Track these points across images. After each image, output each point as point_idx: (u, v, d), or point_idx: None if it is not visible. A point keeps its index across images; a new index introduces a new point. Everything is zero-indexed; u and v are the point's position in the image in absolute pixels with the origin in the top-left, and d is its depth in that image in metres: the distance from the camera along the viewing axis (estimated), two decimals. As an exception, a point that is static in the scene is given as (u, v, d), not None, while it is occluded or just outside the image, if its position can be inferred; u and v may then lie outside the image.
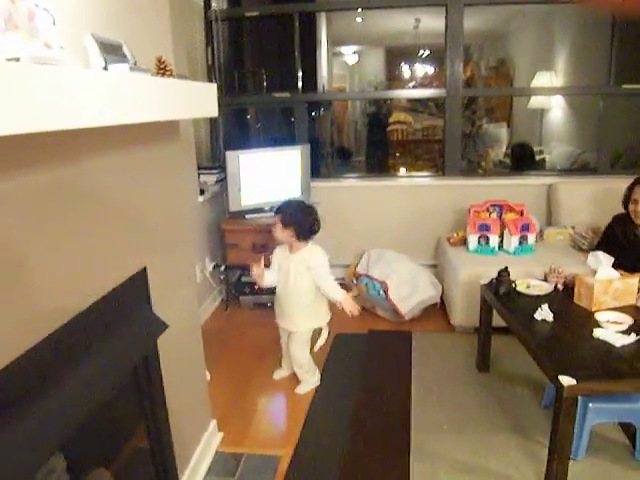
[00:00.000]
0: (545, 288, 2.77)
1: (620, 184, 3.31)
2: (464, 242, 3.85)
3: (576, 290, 2.60)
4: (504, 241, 3.70)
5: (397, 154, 8.71)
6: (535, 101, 6.48)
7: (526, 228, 3.63)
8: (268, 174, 4.01)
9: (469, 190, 4.26)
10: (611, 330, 2.26)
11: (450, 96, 4.25)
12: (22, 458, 1.13)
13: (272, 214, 3.01)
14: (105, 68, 1.34)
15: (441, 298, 3.88)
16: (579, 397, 2.04)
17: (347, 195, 4.48)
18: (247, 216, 3.96)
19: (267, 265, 2.94)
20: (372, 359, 3.29)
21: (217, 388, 2.88)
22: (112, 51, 1.43)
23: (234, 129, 5.05)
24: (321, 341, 3.01)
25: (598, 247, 3.30)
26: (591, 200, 3.94)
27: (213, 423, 2.52)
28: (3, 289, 1.12)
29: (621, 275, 2.55)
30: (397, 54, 9.66)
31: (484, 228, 3.68)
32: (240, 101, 4.91)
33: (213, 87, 1.94)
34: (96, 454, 1.75)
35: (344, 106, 8.96)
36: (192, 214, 3.57)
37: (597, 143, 4.31)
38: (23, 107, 0.89)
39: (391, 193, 4.45)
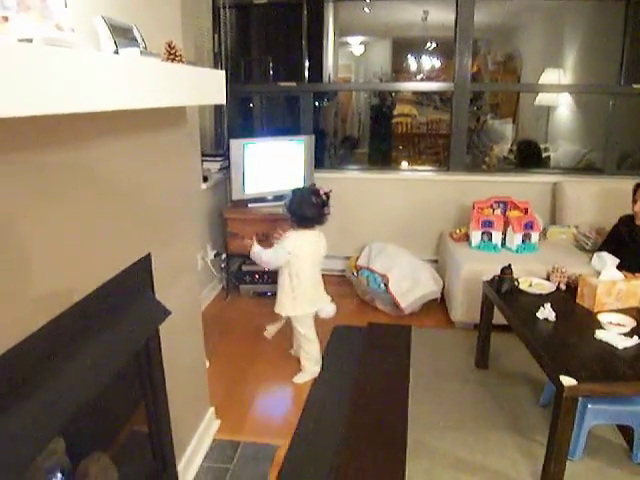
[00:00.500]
0: (548, 287, 2.77)
1: (626, 185, 3.30)
2: (467, 238, 3.84)
3: (579, 290, 2.60)
4: (507, 238, 3.69)
5: (401, 147, 8.68)
6: (542, 98, 6.44)
7: (530, 226, 3.61)
8: (272, 164, 3.99)
9: (473, 186, 4.25)
10: (613, 332, 2.26)
11: (458, 90, 4.22)
12: (25, 441, 1.13)
13: (275, 204, 3.03)
14: (116, 52, 1.33)
15: (441, 293, 3.88)
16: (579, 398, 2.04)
17: (350, 187, 4.46)
18: (250, 205, 3.95)
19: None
20: (370, 352, 3.29)
21: (216, 376, 2.88)
22: (122, 34, 1.42)
23: (238, 117, 5.03)
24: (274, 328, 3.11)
25: (603, 247, 3.30)
26: (596, 200, 3.93)
27: (211, 410, 2.52)
28: (5, 273, 1.11)
29: (625, 276, 2.54)
30: (404, 46, 9.59)
31: (487, 224, 3.67)
32: (246, 89, 4.88)
33: (221, 74, 1.92)
34: (95, 437, 1.76)
35: (349, 97, 8.91)
36: (195, 201, 3.56)
37: (604, 143, 4.29)
38: (35, 89, 0.88)
39: (394, 186, 4.43)
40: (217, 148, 4.47)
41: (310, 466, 2.30)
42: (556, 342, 2.26)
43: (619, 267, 2.65)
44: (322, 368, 3.06)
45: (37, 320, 1.21)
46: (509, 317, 2.59)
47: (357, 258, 4.13)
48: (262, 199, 3.98)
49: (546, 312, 2.44)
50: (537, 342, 2.25)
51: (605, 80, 4.71)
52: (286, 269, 2.86)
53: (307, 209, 2.83)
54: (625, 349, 2.15)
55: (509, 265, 2.78)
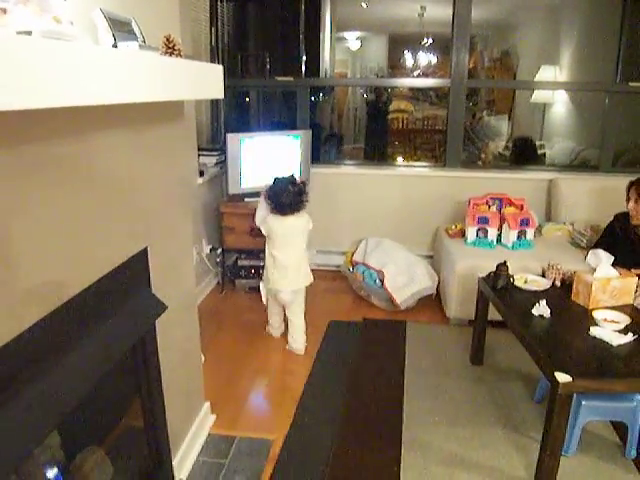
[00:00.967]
0: (543, 284, 2.78)
1: (621, 182, 3.31)
2: (462, 234, 3.84)
3: (574, 287, 2.61)
4: (503, 235, 3.70)
5: (397, 143, 8.68)
6: (538, 95, 6.45)
7: (525, 223, 3.62)
8: (268, 158, 3.98)
9: (469, 182, 4.26)
10: (608, 329, 2.27)
11: (454, 86, 4.21)
12: (21, 436, 1.13)
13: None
14: (114, 45, 1.32)
15: (437, 289, 3.88)
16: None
17: (346, 182, 4.46)
18: (246, 199, 3.94)
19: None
20: (365, 347, 3.29)
21: (211, 370, 2.88)
22: (121, 28, 1.41)
23: (235, 111, 5.02)
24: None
25: (598, 244, 3.31)
26: (591, 197, 3.94)
27: (206, 405, 2.52)
28: (1, 267, 1.11)
29: (620, 274, 2.55)
30: (400, 42, 9.58)
31: (483, 221, 3.68)
32: (242, 84, 4.88)
33: (219, 68, 1.91)
34: (90, 432, 1.75)
35: (345, 92, 8.90)
36: (192, 195, 3.55)
37: (600, 140, 4.30)
38: (33, 82, 0.88)
39: (390, 182, 4.43)
40: (213, 142, 4.46)
41: (305, 461, 2.30)
42: (551, 339, 2.27)
43: (614, 264, 2.66)
44: (315, 363, 3.07)
45: (33, 315, 1.20)
46: (504, 313, 2.60)
47: (353, 253, 4.13)
48: (258, 194, 3.95)
49: (541, 309, 2.45)
50: (532, 338, 2.25)
51: (601, 78, 4.71)
52: (267, 245, 3.16)
53: (284, 197, 3.02)
54: (619, 346, 2.16)
55: (505, 262, 2.79)
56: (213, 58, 4.30)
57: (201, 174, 3.85)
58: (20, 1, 1.00)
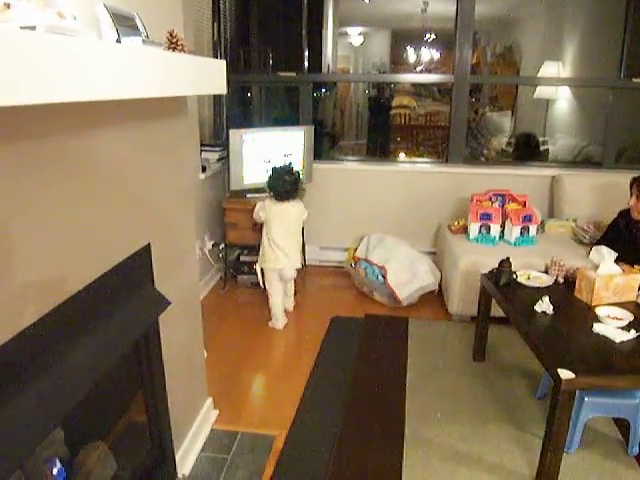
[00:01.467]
0: (546, 280, 2.77)
1: (624, 178, 3.30)
2: (465, 230, 3.84)
3: (577, 284, 2.60)
4: (505, 231, 3.69)
5: (399, 139, 8.66)
6: (541, 91, 6.43)
7: (528, 219, 3.62)
8: (271, 154, 3.98)
9: (472, 178, 4.25)
10: (611, 326, 2.26)
11: (457, 82, 4.20)
12: (25, 431, 1.13)
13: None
14: (118, 40, 1.31)
15: (439, 285, 3.88)
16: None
17: (348, 178, 4.45)
18: (248, 195, 3.94)
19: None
20: (368, 343, 3.29)
21: (213, 366, 2.87)
22: (124, 23, 1.40)
23: (237, 107, 5.01)
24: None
25: (601, 241, 3.30)
26: (594, 194, 3.93)
27: (209, 400, 2.52)
28: (3, 262, 1.11)
29: (623, 270, 2.55)
30: (403, 37, 9.57)
31: (486, 217, 3.67)
32: (245, 79, 4.87)
33: (222, 64, 1.91)
34: (94, 427, 1.76)
35: (347, 88, 8.89)
36: (195, 191, 3.55)
37: (603, 136, 4.29)
38: (37, 77, 0.87)
39: (393, 178, 4.42)
40: (216, 138, 4.46)
41: (308, 456, 2.30)
42: (554, 335, 2.27)
43: (617, 261, 2.65)
44: (318, 359, 3.08)
45: (36, 311, 1.20)
46: (507, 310, 2.60)
47: (355, 249, 4.13)
48: (261, 189, 3.96)
49: (544, 305, 2.45)
50: (535, 335, 2.25)
51: (605, 74, 4.70)
52: (265, 230, 3.42)
53: (281, 185, 3.35)
54: (622, 343, 2.16)
55: (507, 258, 2.78)
56: (215, 53, 4.29)
57: (203, 170, 3.84)
58: (24, -4, 1.00)
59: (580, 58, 5.99)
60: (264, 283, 3.52)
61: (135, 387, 1.89)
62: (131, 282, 1.66)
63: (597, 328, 2.26)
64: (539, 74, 6.26)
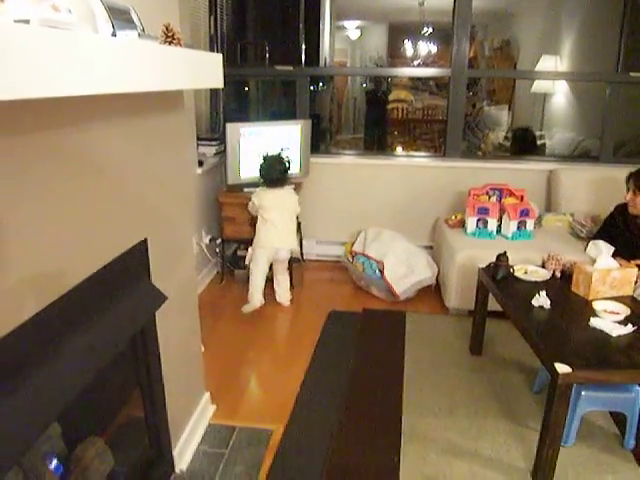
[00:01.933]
0: (543, 274, 2.78)
1: (622, 173, 3.30)
2: (462, 224, 3.84)
3: (574, 278, 2.61)
4: (502, 225, 3.69)
5: (396, 133, 8.65)
6: (538, 85, 6.43)
7: (525, 213, 3.62)
8: (268, 148, 3.96)
9: (469, 172, 4.24)
10: (608, 320, 2.27)
11: (455, 76, 4.19)
12: (22, 427, 1.12)
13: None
14: (113, 34, 1.30)
15: (436, 280, 3.88)
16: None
17: (346, 172, 4.45)
18: (245, 189, 3.93)
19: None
20: (365, 338, 3.29)
21: (211, 361, 2.88)
22: (120, 16, 1.39)
23: (234, 101, 5.00)
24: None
25: (598, 235, 3.31)
26: (591, 188, 3.93)
27: (206, 395, 2.52)
28: (0, 257, 1.10)
29: (620, 265, 2.55)
30: (401, 31, 9.54)
31: (483, 211, 3.67)
32: (242, 73, 4.84)
33: (219, 57, 1.90)
34: (91, 422, 1.76)
35: (344, 82, 8.87)
36: (192, 186, 3.55)
37: (600, 130, 4.29)
38: (32, 71, 0.87)
39: (390, 172, 4.42)
40: (213, 132, 4.44)
41: (305, 450, 2.31)
42: (551, 329, 2.27)
43: (614, 255, 2.66)
44: (315, 353, 3.08)
45: (32, 306, 1.20)
46: (504, 304, 2.60)
47: (353, 244, 4.13)
48: (258, 184, 3.95)
49: (541, 299, 2.45)
50: (532, 329, 2.26)
51: (602, 68, 4.69)
52: (260, 213, 3.53)
53: (273, 172, 3.52)
54: (619, 337, 2.17)
55: (505, 252, 2.79)
56: (212, 47, 4.27)
57: (200, 164, 3.83)
58: (18, -11, 0.99)
59: (577, 52, 5.99)
60: (250, 262, 3.59)
61: (132, 382, 1.89)
62: (128, 277, 1.66)
63: (594, 322, 2.26)
64: (536, 68, 6.26)
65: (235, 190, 3.96)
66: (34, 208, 1.19)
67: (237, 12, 4.86)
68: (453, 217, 3.95)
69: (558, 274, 2.79)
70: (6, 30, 0.82)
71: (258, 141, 3.91)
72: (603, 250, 2.63)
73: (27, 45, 0.85)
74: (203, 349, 2.57)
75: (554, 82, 6.37)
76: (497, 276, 2.74)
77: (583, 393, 2.21)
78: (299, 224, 3.80)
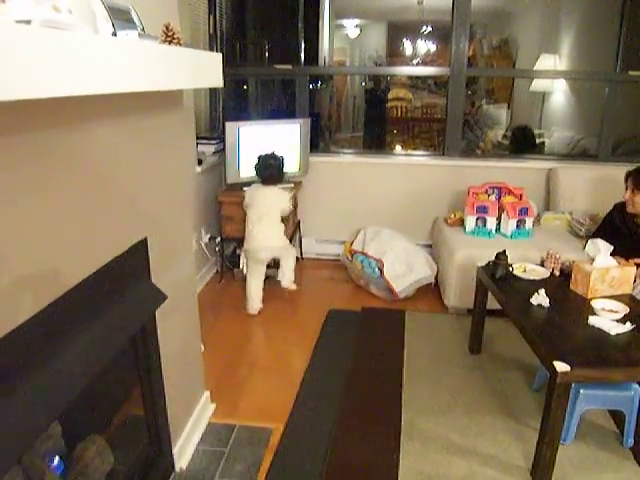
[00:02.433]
0: (542, 273, 2.78)
1: (620, 171, 3.30)
2: (461, 223, 3.85)
3: (573, 276, 2.61)
4: (501, 224, 3.70)
5: (395, 131, 8.65)
6: (537, 84, 6.43)
7: (524, 212, 3.62)
8: (267, 147, 3.97)
9: (468, 171, 4.25)
10: (606, 318, 2.27)
11: (454, 75, 4.19)
12: (23, 426, 1.13)
13: None
14: (113, 34, 1.31)
15: (435, 278, 3.89)
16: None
17: (344, 171, 4.45)
18: (245, 188, 3.92)
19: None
20: (365, 336, 3.30)
21: (210, 359, 2.88)
22: (120, 16, 1.40)
23: (233, 100, 5.00)
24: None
25: (597, 234, 3.31)
26: (590, 186, 3.94)
27: (206, 394, 2.53)
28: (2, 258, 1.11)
29: (619, 263, 2.56)
30: (400, 29, 9.54)
31: (482, 210, 3.67)
32: (241, 72, 4.84)
33: (218, 57, 1.90)
34: (91, 421, 1.76)
35: (343, 80, 8.86)
36: (191, 184, 3.55)
37: (599, 129, 4.29)
38: (33, 72, 0.87)
39: (389, 171, 4.42)
40: (212, 131, 4.44)
41: (305, 449, 2.31)
42: (550, 328, 2.28)
43: (613, 254, 2.66)
44: (315, 352, 3.08)
45: (33, 305, 1.20)
46: (503, 303, 2.61)
47: (352, 242, 4.13)
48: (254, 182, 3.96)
49: (540, 298, 2.45)
50: (531, 328, 2.26)
51: (601, 66, 4.70)
52: (247, 217, 3.57)
53: (267, 171, 3.55)
54: (618, 335, 2.17)
55: (504, 251, 2.79)
56: (211, 46, 4.27)
57: (199, 163, 3.83)
58: (19, -11, 0.99)
59: (576, 51, 5.99)
60: (246, 266, 3.64)
61: (132, 381, 1.90)
62: (128, 276, 1.66)
63: (593, 321, 2.27)
64: (535, 67, 6.26)
65: (234, 189, 3.96)
66: (33, 208, 1.19)
67: (236, 11, 4.85)
68: (452, 216, 3.96)
69: (557, 273, 2.79)
70: (8, 31, 0.82)
71: (257, 140, 3.91)
72: (602, 249, 2.63)
73: (28, 46, 0.86)
74: (203, 348, 2.57)
75: (553, 81, 6.38)
76: (496, 275, 2.75)
77: (582, 391, 2.22)
78: (298, 222, 3.80)
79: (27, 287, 1.19)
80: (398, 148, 8.09)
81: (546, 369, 2.05)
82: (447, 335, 3.31)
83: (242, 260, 3.67)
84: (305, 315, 3.60)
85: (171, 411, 2.06)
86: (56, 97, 0.94)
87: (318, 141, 5.77)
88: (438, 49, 8.96)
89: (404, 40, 9.34)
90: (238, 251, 4.15)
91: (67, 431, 1.56)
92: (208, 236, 4.02)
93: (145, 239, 1.75)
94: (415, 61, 9.06)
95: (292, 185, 3.97)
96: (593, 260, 2.56)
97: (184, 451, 2.22)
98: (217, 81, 1.89)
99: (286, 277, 3.71)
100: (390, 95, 8.62)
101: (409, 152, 6.25)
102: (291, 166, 3.96)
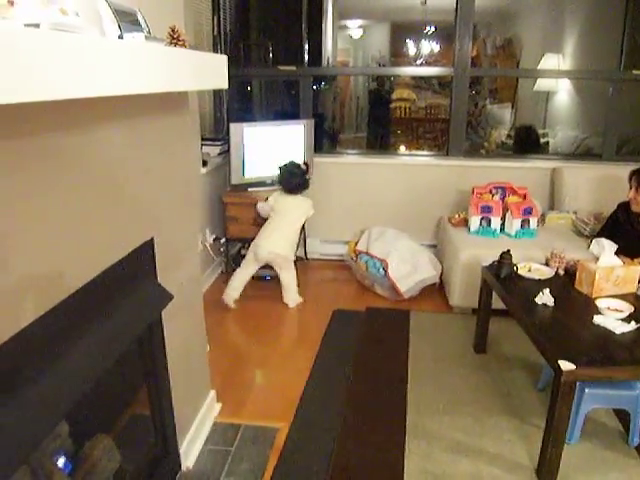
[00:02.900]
0: (546, 272, 2.78)
1: (624, 171, 3.30)
2: (465, 223, 3.85)
3: (578, 276, 2.61)
4: (506, 224, 3.70)
5: (399, 132, 8.65)
6: (541, 83, 6.42)
7: (528, 211, 3.62)
8: (271, 148, 3.98)
9: (472, 171, 4.25)
10: (611, 317, 2.27)
11: (457, 75, 4.20)
12: (31, 425, 1.14)
13: (275, 188, 3.66)
14: (120, 36, 1.32)
15: (440, 278, 3.89)
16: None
17: (349, 172, 4.46)
18: (249, 189, 3.94)
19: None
20: (370, 336, 3.31)
21: (215, 359, 2.89)
22: (126, 18, 1.41)
23: (237, 101, 5.01)
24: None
25: (601, 233, 3.31)
26: (594, 186, 3.94)
27: (212, 394, 2.54)
28: (8, 257, 1.12)
29: (624, 262, 2.56)
30: (403, 30, 9.52)
31: (486, 210, 3.68)
32: (245, 73, 4.85)
33: (224, 58, 1.92)
34: (98, 420, 1.77)
35: (347, 81, 8.86)
36: (196, 185, 3.56)
37: (603, 128, 4.29)
38: (42, 75, 0.88)
39: (394, 171, 4.43)
40: (216, 132, 4.46)
41: (310, 448, 2.32)
42: (554, 327, 2.28)
43: (617, 253, 2.66)
44: (320, 352, 3.09)
45: (42, 305, 1.21)
46: (508, 302, 2.61)
47: (356, 243, 4.14)
48: (262, 183, 3.98)
49: (545, 297, 2.46)
50: (536, 327, 2.27)
51: (605, 65, 4.69)
52: (269, 217, 3.63)
53: (292, 179, 3.61)
54: (623, 334, 2.17)
55: (508, 250, 2.79)
56: (215, 47, 4.28)
57: (204, 164, 3.85)
58: (27, -7, 1.01)
59: (580, 50, 5.98)
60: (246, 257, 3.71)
61: (139, 381, 1.91)
62: (134, 276, 1.67)
63: (597, 320, 2.27)
64: (539, 66, 6.25)
65: (239, 190, 3.98)
66: (41, 210, 1.20)
67: (240, 12, 4.86)
68: (456, 216, 3.96)
69: (561, 272, 2.79)
70: (17, 34, 0.83)
71: (262, 141, 3.93)
72: (606, 248, 2.63)
73: (37, 48, 0.87)
74: (208, 348, 2.58)
75: (557, 80, 6.37)
76: (501, 274, 2.75)
77: (587, 390, 2.22)
78: (302, 225, 3.80)
79: (35, 288, 1.20)
80: (402, 148, 8.09)
81: (551, 368, 2.06)
82: (452, 335, 3.31)
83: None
84: (310, 315, 3.61)
85: (177, 410, 2.06)
86: (63, 99, 0.95)
87: (322, 142, 5.77)
88: (442, 49, 8.94)
89: (407, 40, 9.32)
90: (243, 251, 4.16)
91: (74, 430, 1.57)
92: (213, 237, 4.03)
93: (151, 239, 1.76)
94: (419, 61, 9.05)
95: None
96: (598, 259, 2.56)
97: (190, 450, 2.23)
98: (222, 82, 1.90)
99: (291, 298, 3.74)
100: (394, 95, 8.62)
101: (413, 152, 6.25)
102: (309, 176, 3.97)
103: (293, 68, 4.44)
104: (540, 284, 2.63)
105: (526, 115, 7.19)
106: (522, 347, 3.04)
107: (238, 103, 5.01)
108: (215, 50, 4.27)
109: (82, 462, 1.62)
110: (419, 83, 8.98)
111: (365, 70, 9.53)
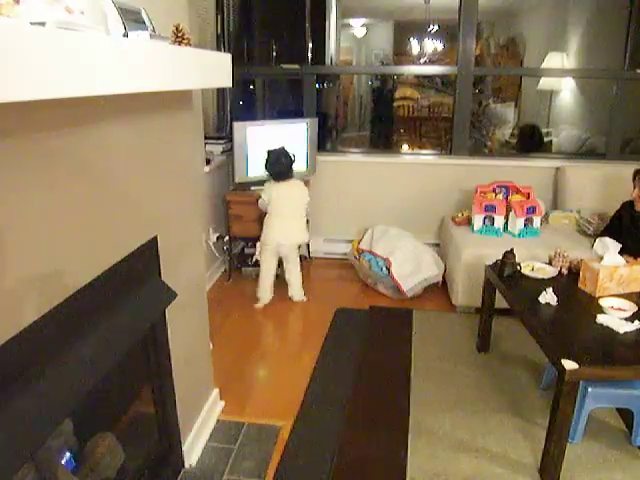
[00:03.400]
0: (550, 272, 2.78)
1: (628, 170, 3.29)
2: (469, 222, 3.85)
3: (581, 275, 2.61)
4: (509, 223, 3.70)
5: (402, 130, 8.64)
6: (545, 82, 6.41)
7: (532, 210, 3.62)
8: (275, 146, 3.97)
9: (476, 170, 4.24)
10: (615, 316, 2.27)
11: (461, 74, 4.19)
12: (36, 423, 1.14)
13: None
14: (125, 35, 1.32)
15: (443, 277, 3.89)
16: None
17: (352, 170, 4.46)
18: (253, 188, 3.95)
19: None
20: (372, 335, 3.31)
21: (219, 357, 2.89)
22: (131, 17, 1.41)
23: (240, 99, 5.01)
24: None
25: (605, 232, 3.30)
26: (598, 185, 3.93)
27: (215, 392, 2.54)
28: (13, 256, 1.12)
29: (627, 262, 2.56)
30: (406, 28, 9.50)
31: (490, 209, 3.67)
32: (249, 72, 4.85)
33: (228, 57, 1.92)
34: (102, 418, 1.78)
35: (350, 80, 8.85)
36: (200, 184, 3.56)
37: (607, 127, 4.28)
38: (48, 73, 0.89)
39: (397, 170, 4.43)
40: (220, 130, 4.46)
41: (313, 446, 2.32)
42: (558, 326, 2.28)
43: (621, 252, 2.66)
44: (323, 350, 3.09)
45: (46, 303, 1.22)
46: (511, 301, 2.61)
47: (359, 241, 4.14)
48: (264, 180, 3.97)
49: (548, 296, 2.46)
50: (539, 326, 2.26)
51: (609, 64, 4.68)
52: (269, 208, 3.56)
53: (278, 166, 3.54)
54: (626, 333, 2.17)
55: (512, 249, 2.79)
56: (219, 46, 4.29)
57: (207, 162, 3.85)
58: (33, -9, 1.01)
59: (584, 49, 5.96)
60: (259, 256, 3.69)
61: (143, 379, 1.91)
62: (138, 275, 1.68)
63: (601, 319, 2.27)
64: (543, 65, 6.23)
65: (242, 188, 3.98)
66: (45, 208, 1.20)
67: (244, 11, 4.86)
68: (460, 214, 3.96)
69: (565, 271, 2.79)
70: (23, 32, 0.84)
71: (265, 139, 3.93)
72: (610, 247, 2.63)
73: (42, 47, 0.87)
74: (212, 346, 2.59)
75: (561, 79, 6.35)
76: (504, 273, 2.75)
77: (590, 390, 2.22)
78: (307, 221, 3.81)
79: (39, 286, 1.20)
80: (405, 147, 8.08)
81: (554, 367, 2.06)
82: (455, 334, 3.31)
83: (258, 248, 3.69)
84: (313, 314, 3.61)
85: (181, 408, 2.07)
86: (68, 97, 0.96)
87: (325, 140, 5.77)
88: (445, 48, 8.93)
89: (411, 39, 9.31)
90: (246, 250, 4.17)
91: (78, 428, 1.58)
92: (216, 235, 4.03)
93: (155, 237, 1.77)
94: (422, 60, 9.04)
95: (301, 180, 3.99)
96: (601, 258, 2.56)
97: (193, 448, 2.24)
98: (226, 81, 1.91)
99: (297, 292, 3.76)
100: (397, 94, 8.61)
101: (416, 151, 6.25)
102: (299, 165, 3.96)
103: (296, 67, 4.44)
104: (543, 283, 2.62)
105: (530, 114, 7.17)
106: (525, 346, 3.05)
107: (242, 102, 5.01)
108: (219, 48, 4.28)
109: (86, 459, 1.63)
110: (422, 82, 8.97)
111: (368, 69, 9.53)
